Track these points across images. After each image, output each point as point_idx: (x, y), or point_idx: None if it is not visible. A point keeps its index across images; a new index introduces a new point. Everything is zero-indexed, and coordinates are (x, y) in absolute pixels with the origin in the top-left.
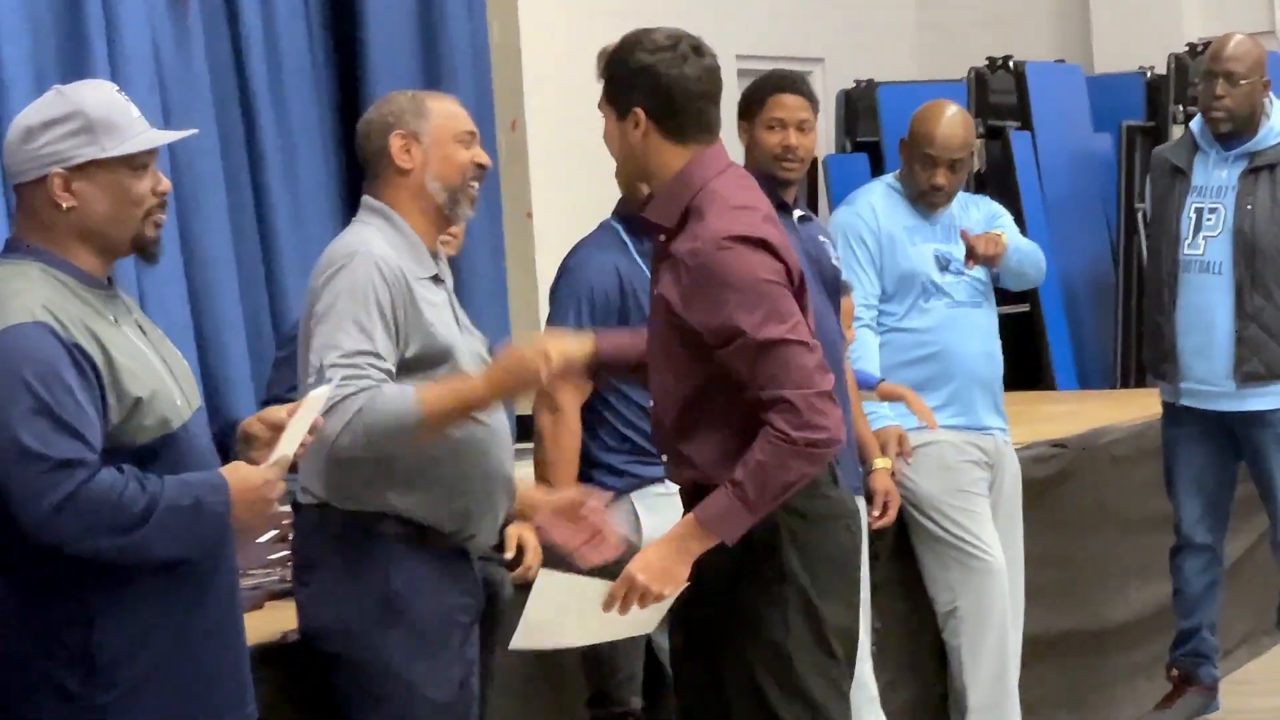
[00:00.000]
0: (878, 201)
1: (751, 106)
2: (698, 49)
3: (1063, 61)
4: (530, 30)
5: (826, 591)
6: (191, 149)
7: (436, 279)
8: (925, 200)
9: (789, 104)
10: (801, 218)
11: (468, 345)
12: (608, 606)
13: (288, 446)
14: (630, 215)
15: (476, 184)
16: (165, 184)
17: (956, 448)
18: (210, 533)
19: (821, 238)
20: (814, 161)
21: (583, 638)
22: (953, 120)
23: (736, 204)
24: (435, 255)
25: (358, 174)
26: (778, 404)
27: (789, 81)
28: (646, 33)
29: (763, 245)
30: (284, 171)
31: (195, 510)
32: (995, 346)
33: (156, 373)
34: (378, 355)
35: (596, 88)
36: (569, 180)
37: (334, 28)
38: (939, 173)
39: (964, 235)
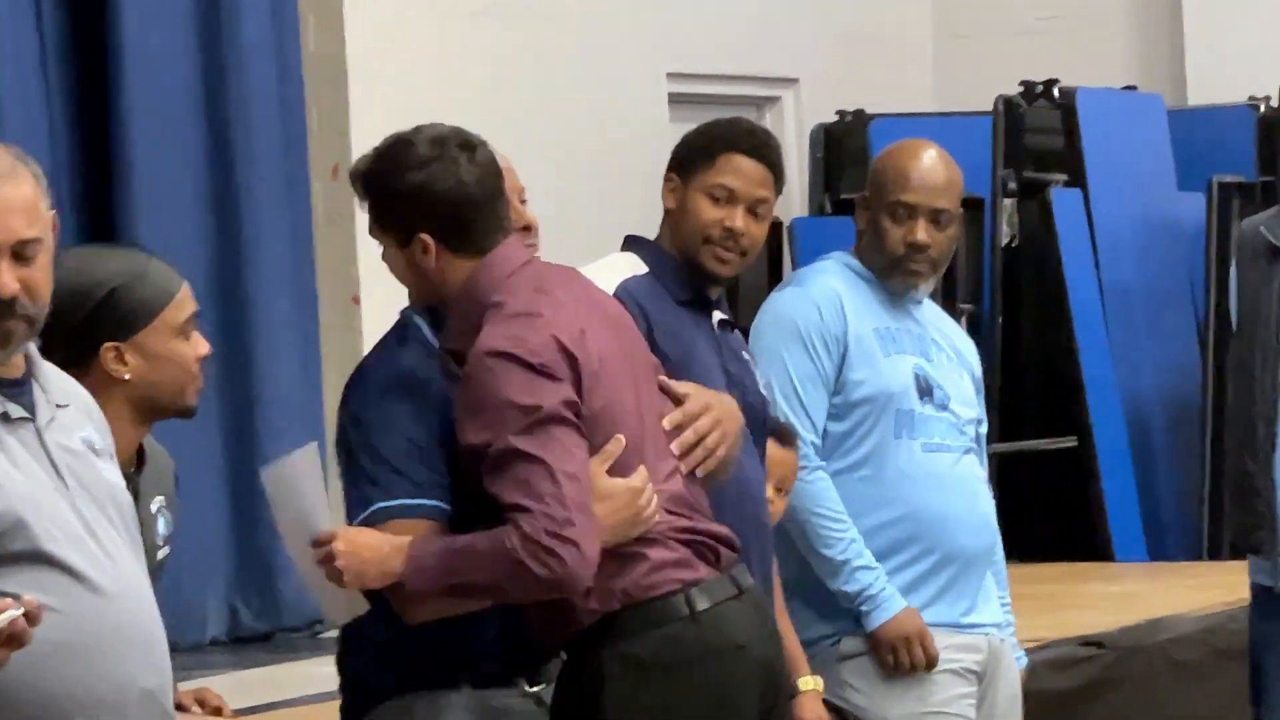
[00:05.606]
0: (841, 287)
1: (694, 160)
2: (466, 144)
3: (1133, 89)
4: (364, 34)
5: None
6: None
7: (6, 417)
8: (900, 270)
9: (748, 173)
10: (723, 322)
11: (56, 505)
12: (312, 541)
13: None
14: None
15: None
16: None
17: None
18: None
19: (745, 355)
20: (777, 226)
21: (292, 546)
22: (933, 158)
23: (515, 311)
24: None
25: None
26: (519, 511)
27: (755, 141)
28: (404, 145)
29: (520, 362)
30: None
31: None
32: (990, 509)
33: None
34: None
35: (457, 115)
36: None
37: (73, 27)
38: (919, 227)
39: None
